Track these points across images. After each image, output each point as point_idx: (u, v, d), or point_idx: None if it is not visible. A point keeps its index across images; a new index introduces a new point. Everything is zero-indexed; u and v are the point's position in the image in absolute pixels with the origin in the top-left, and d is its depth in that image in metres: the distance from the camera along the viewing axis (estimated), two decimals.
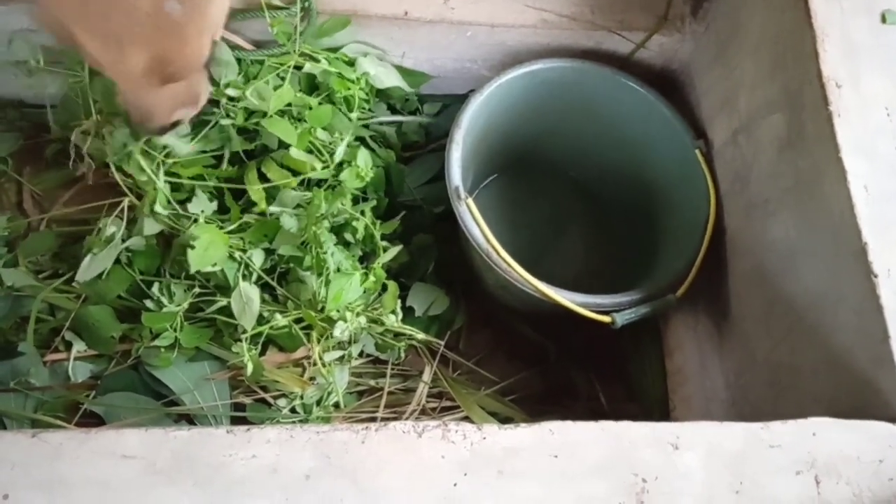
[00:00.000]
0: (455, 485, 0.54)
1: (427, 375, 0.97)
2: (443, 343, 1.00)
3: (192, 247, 0.86)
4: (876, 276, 0.64)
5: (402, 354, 0.97)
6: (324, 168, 0.94)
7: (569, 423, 0.58)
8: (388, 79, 1.03)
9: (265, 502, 0.52)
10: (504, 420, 0.98)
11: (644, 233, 1.08)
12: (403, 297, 1.00)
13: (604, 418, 1.04)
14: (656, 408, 1.03)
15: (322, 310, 0.90)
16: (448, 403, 0.98)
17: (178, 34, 0.63)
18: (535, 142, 1.12)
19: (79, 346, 0.91)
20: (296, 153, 0.93)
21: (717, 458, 0.57)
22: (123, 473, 0.53)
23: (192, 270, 0.87)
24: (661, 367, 1.06)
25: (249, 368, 0.84)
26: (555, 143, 1.12)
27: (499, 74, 0.96)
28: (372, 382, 0.97)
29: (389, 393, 0.98)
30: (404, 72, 1.06)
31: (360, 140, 1.03)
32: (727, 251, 0.90)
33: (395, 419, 0.96)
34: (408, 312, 1.00)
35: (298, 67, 0.97)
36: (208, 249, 0.87)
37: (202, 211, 0.92)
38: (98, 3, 0.60)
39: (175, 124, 0.79)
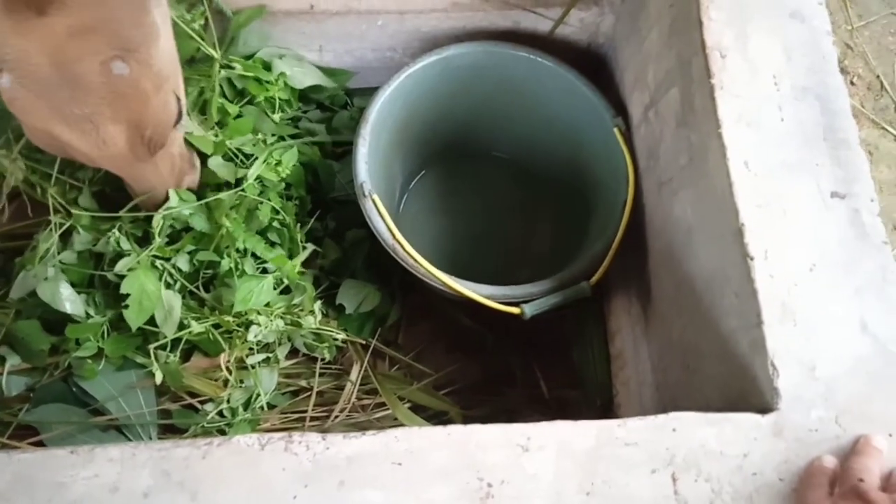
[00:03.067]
0: (295, 497, 0.54)
1: (354, 374, 0.96)
2: (373, 339, 1.00)
3: (127, 306, 0.86)
4: (752, 259, 0.61)
5: (327, 355, 0.96)
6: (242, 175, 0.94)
7: (414, 430, 0.56)
8: (307, 78, 1.02)
9: None
10: (435, 415, 0.98)
11: (583, 215, 1.05)
12: (336, 295, 1.00)
13: (544, 405, 1.04)
14: (598, 393, 1.01)
15: (246, 314, 0.90)
16: (381, 399, 0.98)
17: (136, 92, 0.65)
18: (466, 128, 1.09)
19: (13, 360, 0.93)
20: (213, 162, 0.93)
21: (569, 458, 0.55)
22: None
23: (134, 329, 0.86)
24: (605, 351, 1.04)
25: (158, 377, 0.85)
26: (485, 128, 1.10)
27: (408, 65, 0.94)
28: (303, 383, 0.97)
29: (323, 392, 0.98)
30: (328, 71, 1.05)
31: (283, 139, 1.02)
32: (646, 231, 0.87)
33: (325, 417, 0.97)
34: (341, 310, 1.00)
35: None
36: (142, 303, 0.87)
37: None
38: (58, 90, 0.62)
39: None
